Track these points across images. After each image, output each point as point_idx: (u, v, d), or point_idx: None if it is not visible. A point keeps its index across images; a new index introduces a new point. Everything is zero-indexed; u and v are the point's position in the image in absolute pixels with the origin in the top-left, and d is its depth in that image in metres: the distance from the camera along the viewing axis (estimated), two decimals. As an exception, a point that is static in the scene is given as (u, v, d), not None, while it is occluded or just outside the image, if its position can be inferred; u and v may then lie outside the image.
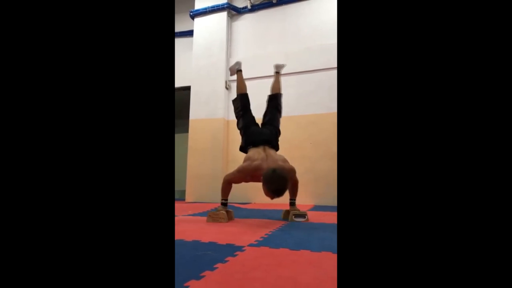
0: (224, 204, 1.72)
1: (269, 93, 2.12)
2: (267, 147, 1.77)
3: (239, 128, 1.99)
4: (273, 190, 1.49)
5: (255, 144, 1.81)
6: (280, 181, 1.48)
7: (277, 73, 2.19)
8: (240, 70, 2.22)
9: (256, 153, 1.74)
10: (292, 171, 1.67)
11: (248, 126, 1.93)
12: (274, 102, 2.05)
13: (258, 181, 1.61)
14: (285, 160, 1.72)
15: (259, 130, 1.90)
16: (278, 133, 1.96)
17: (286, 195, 1.82)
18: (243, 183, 1.78)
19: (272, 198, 1.54)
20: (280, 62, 2.29)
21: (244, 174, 1.66)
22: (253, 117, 2.01)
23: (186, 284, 0.63)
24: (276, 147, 1.87)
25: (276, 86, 2.13)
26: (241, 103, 2.03)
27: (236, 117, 2.05)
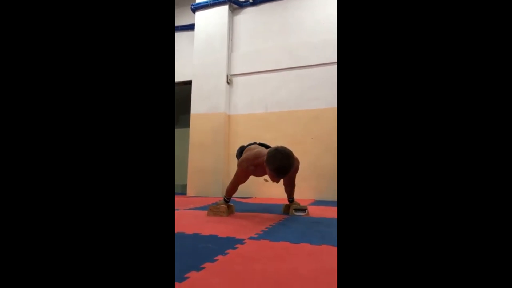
0: (226, 201, 1.73)
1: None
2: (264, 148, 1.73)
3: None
4: (276, 167, 1.36)
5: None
6: (284, 158, 1.37)
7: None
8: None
9: (255, 146, 1.72)
10: (297, 161, 1.59)
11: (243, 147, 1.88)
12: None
13: (262, 171, 1.57)
14: None
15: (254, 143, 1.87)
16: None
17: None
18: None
19: (277, 180, 1.44)
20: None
21: (247, 165, 1.59)
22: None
23: (186, 275, 0.64)
24: None
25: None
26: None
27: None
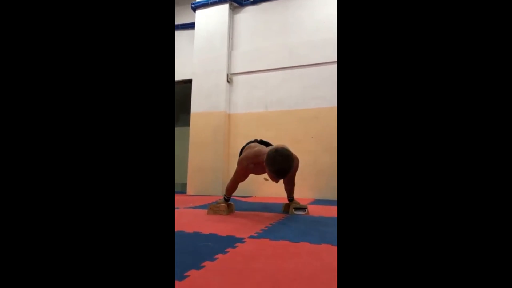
0: (226, 199, 1.73)
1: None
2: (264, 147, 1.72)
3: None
4: (276, 170, 1.39)
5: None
6: (283, 160, 1.38)
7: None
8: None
9: (255, 144, 1.72)
10: (296, 159, 1.59)
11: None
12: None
13: (262, 170, 1.57)
14: None
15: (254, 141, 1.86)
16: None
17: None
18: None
19: (277, 180, 1.46)
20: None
21: (246, 163, 1.60)
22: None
23: (186, 274, 0.64)
24: None
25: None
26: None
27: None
